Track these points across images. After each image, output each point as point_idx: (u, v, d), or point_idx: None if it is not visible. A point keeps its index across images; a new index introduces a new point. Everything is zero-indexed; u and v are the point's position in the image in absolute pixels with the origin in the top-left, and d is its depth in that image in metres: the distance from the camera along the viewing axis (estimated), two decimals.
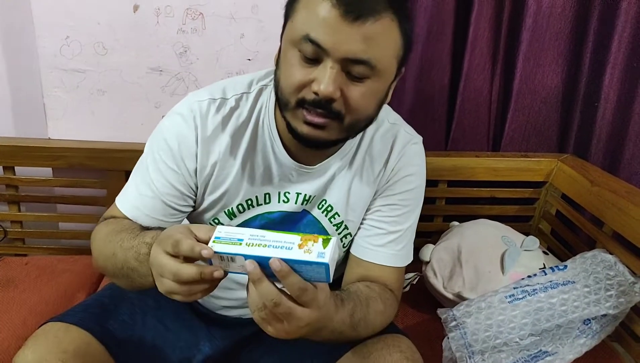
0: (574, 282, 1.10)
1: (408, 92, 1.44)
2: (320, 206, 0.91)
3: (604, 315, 1.07)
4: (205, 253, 0.59)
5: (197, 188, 0.86)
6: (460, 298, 1.19)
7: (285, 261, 0.59)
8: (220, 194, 0.86)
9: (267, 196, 0.88)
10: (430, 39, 1.39)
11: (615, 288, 1.07)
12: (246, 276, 0.61)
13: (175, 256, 0.61)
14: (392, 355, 0.80)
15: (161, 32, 1.32)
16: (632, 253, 1.14)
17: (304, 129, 0.75)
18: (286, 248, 0.60)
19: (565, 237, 1.43)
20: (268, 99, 0.86)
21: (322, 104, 0.72)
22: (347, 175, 0.90)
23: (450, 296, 1.22)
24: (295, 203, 0.89)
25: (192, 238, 0.61)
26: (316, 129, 0.74)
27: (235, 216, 0.89)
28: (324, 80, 0.70)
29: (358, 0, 0.69)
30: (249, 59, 1.38)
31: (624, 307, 1.07)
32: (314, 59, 0.71)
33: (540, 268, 1.21)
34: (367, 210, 0.93)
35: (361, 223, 0.94)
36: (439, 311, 1.13)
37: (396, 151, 0.91)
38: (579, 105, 1.48)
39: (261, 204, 0.89)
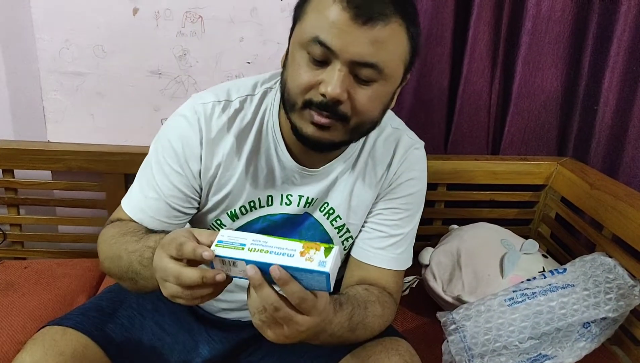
0: (573, 285, 1.10)
1: (407, 96, 1.44)
2: (322, 209, 0.91)
3: (604, 319, 1.07)
4: (206, 255, 0.59)
5: (201, 189, 0.86)
6: (460, 301, 1.19)
7: (286, 268, 0.58)
8: (224, 196, 0.87)
9: (269, 198, 0.89)
10: (429, 43, 1.39)
11: (614, 292, 1.07)
12: (246, 280, 0.61)
13: (178, 259, 0.61)
14: (390, 358, 0.80)
15: (160, 35, 1.32)
16: (631, 257, 1.14)
17: (309, 129, 0.75)
18: (288, 255, 0.60)
19: (564, 240, 1.43)
20: (272, 101, 0.86)
21: (329, 106, 0.72)
22: (349, 178, 0.90)
23: (449, 299, 1.21)
24: (298, 205, 0.89)
25: (194, 241, 0.61)
26: (321, 130, 0.75)
27: (237, 217, 0.89)
28: (332, 82, 0.70)
29: (368, 4, 0.69)
30: (249, 62, 1.38)
31: (624, 310, 1.07)
32: (322, 61, 0.72)
33: (539, 272, 1.21)
34: (368, 213, 0.94)
35: (362, 226, 0.94)
36: (439, 314, 1.13)
37: (398, 155, 0.92)
38: (578, 108, 1.48)
39: (263, 207, 0.89)
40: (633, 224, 1.13)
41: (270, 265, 0.58)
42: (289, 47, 0.79)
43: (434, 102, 1.46)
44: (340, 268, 0.95)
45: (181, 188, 0.84)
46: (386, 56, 0.72)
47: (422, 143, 0.96)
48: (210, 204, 0.88)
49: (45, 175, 1.39)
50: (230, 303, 0.97)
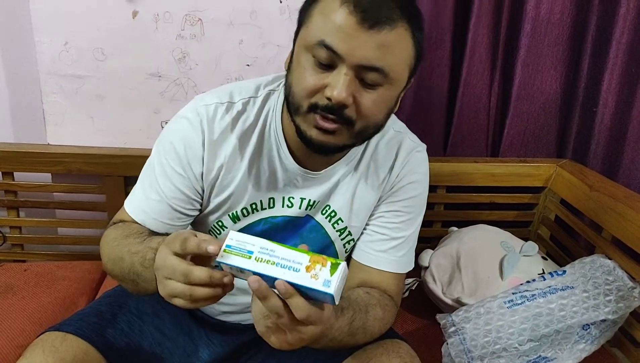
0: (572, 287, 1.10)
1: (407, 98, 1.44)
2: (324, 212, 0.91)
3: (603, 320, 1.07)
4: (211, 248, 0.59)
5: (203, 191, 0.86)
6: (459, 303, 1.19)
7: (291, 284, 0.58)
8: (225, 198, 0.87)
9: (271, 200, 0.89)
10: (429, 46, 1.40)
11: (614, 293, 1.07)
12: (244, 282, 0.61)
13: (182, 256, 0.61)
14: (391, 360, 0.80)
15: (160, 37, 1.32)
16: (631, 258, 1.14)
17: (313, 133, 0.75)
18: (294, 269, 0.59)
19: (564, 242, 1.43)
20: (275, 104, 0.86)
21: (335, 110, 0.72)
22: (351, 181, 0.90)
23: (449, 301, 1.21)
24: (299, 208, 0.89)
25: (197, 238, 0.61)
26: (326, 134, 0.75)
27: (239, 219, 0.89)
28: (338, 86, 0.70)
29: (375, 8, 0.69)
30: (248, 65, 1.38)
31: (623, 312, 1.07)
32: (328, 65, 0.72)
33: (539, 274, 1.22)
34: (370, 216, 0.94)
35: (364, 229, 0.94)
36: (438, 316, 1.13)
37: (401, 158, 0.92)
38: (578, 110, 1.48)
39: (265, 209, 0.89)
40: (632, 226, 1.13)
41: (275, 279, 0.58)
42: (293, 50, 0.79)
43: (434, 105, 1.46)
44: None
45: (183, 190, 0.84)
46: (392, 60, 0.72)
47: (424, 146, 0.96)
48: (211, 206, 0.88)
49: (45, 178, 1.39)
50: (231, 306, 0.97)
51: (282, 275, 0.59)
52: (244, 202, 0.87)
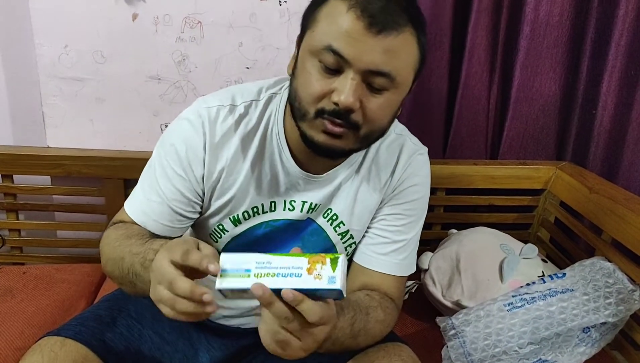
0: (573, 290, 1.09)
1: (406, 100, 1.44)
2: (325, 215, 0.91)
3: (604, 323, 1.07)
4: (212, 268, 0.59)
5: (204, 194, 0.86)
6: (459, 306, 1.19)
7: (297, 290, 0.58)
8: (227, 201, 0.86)
9: (272, 204, 0.88)
10: (428, 48, 1.39)
11: (614, 296, 1.07)
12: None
13: (180, 266, 0.60)
14: None
15: (160, 40, 1.32)
16: (630, 261, 1.14)
17: (321, 138, 0.75)
18: (295, 275, 0.59)
19: (564, 245, 1.43)
20: (277, 107, 0.86)
21: (341, 115, 0.72)
22: (353, 184, 0.90)
23: (449, 304, 1.21)
24: (301, 211, 0.89)
25: (200, 252, 0.61)
26: (333, 138, 0.75)
27: (240, 222, 0.89)
28: (345, 90, 0.70)
29: (382, 13, 0.69)
30: (247, 68, 1.38)
31: (624, 315, 1.07)
32: (335, 70, 0.72)
33: (539, 276, 1.21)
34: (372, 219, 0.93)
35: (366, 231, 0.94)
36: (438, 319, 1.12)
37: (402, 161, 0.92)
38: (577, 112, 1.48)
39: (266, 212, 0.89)
40: (632, 229, 1.13)
41: (280, 290, 0.58)
42: (297, 54, 0.79)
43: (433, 107, 1.46)
44: None
45: (184, 192, 0.84)
46: (399, 65, 0.72)
47: (426, 149, 0.96)
48: (213, 208, 0.87)
49: (44, 180, 1.39)
50: (231, 310, 0.96)
51: (286, 284, 0.58)
52: (245, 205, 0.87)
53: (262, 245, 0.90)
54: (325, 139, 0.75)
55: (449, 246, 1.32)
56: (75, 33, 1.29)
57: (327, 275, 0.58)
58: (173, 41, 1.33)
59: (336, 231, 0.92)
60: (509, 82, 1.46)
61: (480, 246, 1.30)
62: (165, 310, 0.61)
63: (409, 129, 0.97)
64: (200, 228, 0.93)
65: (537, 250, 1.31)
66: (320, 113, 0.73)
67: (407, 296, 1.28)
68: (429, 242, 1.49)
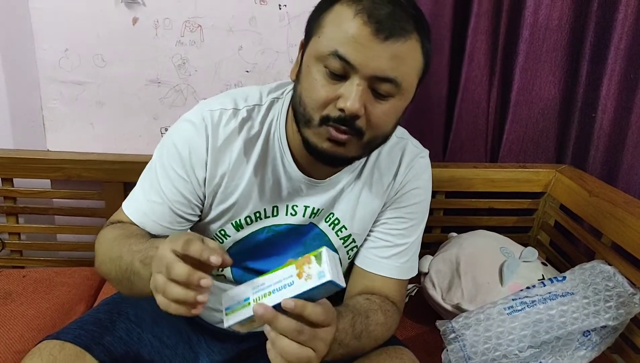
0: (573, 293, 1.09)
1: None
2: (327, 220, 0.91)
3: (604, 327, 1.07)
4: (213, 259, 0.58)
5: (204, 197, 0.86)
6: (459, 309, 1.19)
7: (295, 297, 0.59)
8: (229, 206, 0.86)
9: (275, 208, 0.88)
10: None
11: (614, 300, 1.07)
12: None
13: (181, 256, 0.59)
14: None
15: (160, 44, 1.33)
16: (630, 264, 1.14)
17: (324, 145, 0.75)
18: (288, 284, 0.60)
19: (563, 248, 1.43)
20: (279, 112, 0.86)
21: (347, 121, 0.72)
22: (355, 189, 0.90)
23: (449, 307, 1.21)
24: (303, 216, 0.89)
25: (202, 244, 0.60)
26: (337, 145, 0.75)
27: (242, 227, 0.88)
28: (351, 97, 0.70)
29: (390, 19, 0.69)
30: (247, 71, 1.38)
31: (624, 319, 1.07)
32: (341, 75, 0.72)
33: (539, 279, 1.21)
34: (374, 222, 0.93)
35: (367, 235, 0.94)
36: (438, 323, 1.12)
37: (404, 164, 0.92)
38: (577, 116, 1.49)
39: (269, 217, 0.89)
40: (632, 232, 1.13)
41: (279, 304, 0.59)
42: (301, 60, 0.78)
43: (433, 111, 1.47)
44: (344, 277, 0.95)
45: (185, 194, 0.84)
46: (405, 71, 0.72)
47: (427, 152, 0.97)
48: (214, 214, 0.87)
49: (44, 184, 1.39)
50: None
51: (282, 296, 0.59)
52: (248, 210, 0.87)
53: (264, 250, 0.90)
54: (329, 147, 0.75)
55: (448, 249, 1.32)
56: (76, 37, 1.30)
57: (316, 272, 0.59)
58: (173, 45, 1.33)
59: (338, 236, 0.92)
60: (508, 85, 1.47)
61: (480, 250, 1.30)
62: (159, 298, 0.60)
63: (409, 133, 0.98)
64: (201, 233, 0.92)
65: (537, 253, 1.30)
66: (325, 120, 0.73)
67: (407, 299, 1.28)
68: (429, 245, 1.49)
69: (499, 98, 1.49)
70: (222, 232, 0.89)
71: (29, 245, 1.44)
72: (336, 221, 0.91)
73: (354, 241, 0.93)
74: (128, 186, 1.37)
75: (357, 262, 0.94)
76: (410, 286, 1.29)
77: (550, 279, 1.16)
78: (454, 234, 1.41)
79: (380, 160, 0.91)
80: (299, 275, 0.60)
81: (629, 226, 1.14)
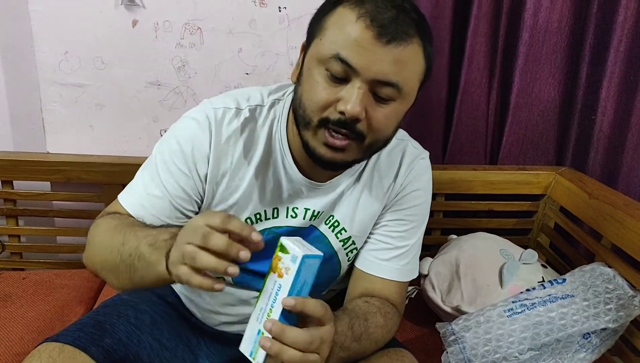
0: (573, 296, 1.09)
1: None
2: (327, 222, 0.91)
3: (604, 329, 1.07)
4: (254, 235, 0.59)
5: (204, 194, 0.86)
6: (459, 312, 1.18)
7: (288, 297, 0.61)
8: (229, 206, 0.86)
9: (275, 210, 0.88)
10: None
11: (614, 302, 1.07)
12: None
13: (220, 231, 0.59)
14: None
15: (160, 46, 1.33)
16: (631, 266, 1.14)
17: (322, 150, 0.75)
18: (277, 291, 0.62)
19: (564, 250, 1.42)
20: (280, 113, 0.86)
21: (347, 124, 0.72)
22: (355, 191, 0.90)
23: (448, 310, 1.21)
24: (304, 218, 0.89)
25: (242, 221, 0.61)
26: (335, 151, 0.75)
27: None
28: (352, 100, 0.70)
29: (392, 23, 0.69)
30: (247, 73, 1.38)
31: (624, 321, 1.07)
32: (342, 78, 0.72)
33: (539, 282, 1.21)
34: (374, 224, 0.93)
35: (368, 237, 0.94)
36: (438, 325, 1.12)
37: (405, 165, 0.92)
38: (576, 118, 1.49)
39: (269, 219, 0.88)
40: (632, 234, 1.13)
41: (281, 312, 0.61)
42: (302, 62, 0.78)
43: (432, 113, 1.47)
44: (343, 279, 0.95)
45: (187, 190, 0.83)
46: (406, 75, 0.73)
47: (427, 153, 0.97)
48: None
49: (44, 186, 1.39)
50: (231, 317, 0.96)
51: (279, 303, 0.61)
52: (248, 212, 0.87)
53: (264, 252, 0.90)
54: (327, 152, 0.75)
55: (448, 251, 1.32)
56: (76, 39, 1.30)
57: (289, 260, 0.61)
58: (173, 47, 1.33)
59: (338, 238, 0.92)
60: (508, 88, 1.47)
61: (480, 252, 1.30)
62: (182, 269, 0.59)
63: (408, 135, 0.98)
64: None
65: (537, 256, 1.30)
66: (324, 123, 0.73)
67: (407, 301, 1.28)
68: (428, 247, 1.49)
69: (498, 100, 1.49)
70: None
71: (28, 247, 1.44)
72: (336, 224, 0.91)
73: (353, 243, 0.93)
74: None
75: (357, 264, 0.94)
76: (410, 288, 1.29)
77: (550, 281, 1.16)
78: (454, 236, 1.41)
79: (380, 162, 0.91)
80: (280, 275, 0.61)
81: (629, 229, 1.14)
